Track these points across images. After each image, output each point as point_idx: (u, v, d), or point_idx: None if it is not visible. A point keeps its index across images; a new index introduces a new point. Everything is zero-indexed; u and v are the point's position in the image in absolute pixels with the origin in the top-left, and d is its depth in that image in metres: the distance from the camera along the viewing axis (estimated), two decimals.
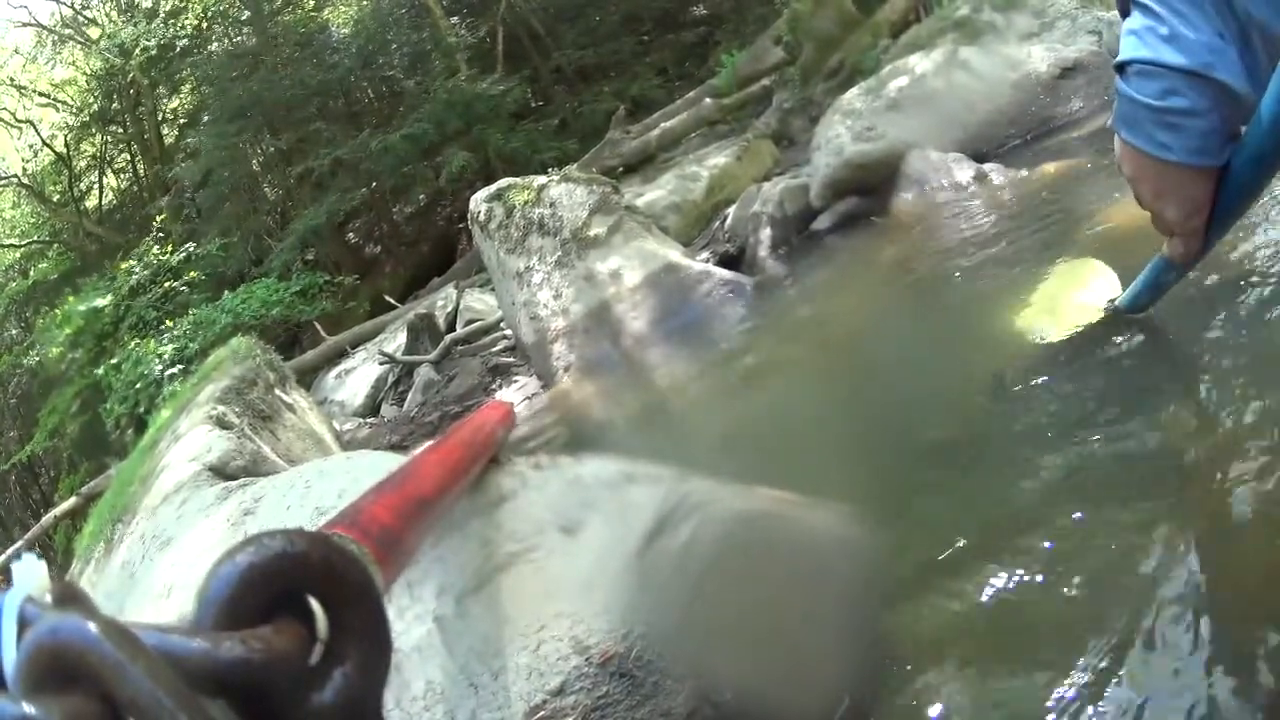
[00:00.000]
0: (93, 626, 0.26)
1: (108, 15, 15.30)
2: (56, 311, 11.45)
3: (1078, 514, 1.19)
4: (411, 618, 1.12)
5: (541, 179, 4.46)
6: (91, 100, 15.33)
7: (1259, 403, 1.18)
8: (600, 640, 1.05)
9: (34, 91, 15.70)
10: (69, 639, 0.26)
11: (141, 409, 8.14)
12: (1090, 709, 0.90)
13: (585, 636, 1.06)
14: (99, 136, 15.69)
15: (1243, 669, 0.85)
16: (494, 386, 5.04)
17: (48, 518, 7.93)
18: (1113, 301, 1.50)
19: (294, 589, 0.32)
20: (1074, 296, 1.80)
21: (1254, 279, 1.48)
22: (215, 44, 14.21)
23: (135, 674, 0.25)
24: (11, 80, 15.37)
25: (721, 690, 1.05)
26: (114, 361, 9.28)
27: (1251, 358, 1.32)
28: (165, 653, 0.27)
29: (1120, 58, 0.74)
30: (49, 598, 0.30)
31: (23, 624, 0.28)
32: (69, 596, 0.30)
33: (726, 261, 4.54)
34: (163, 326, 9.89)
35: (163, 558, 1.68)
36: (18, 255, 15.75)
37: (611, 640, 1.05)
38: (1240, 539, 1.02)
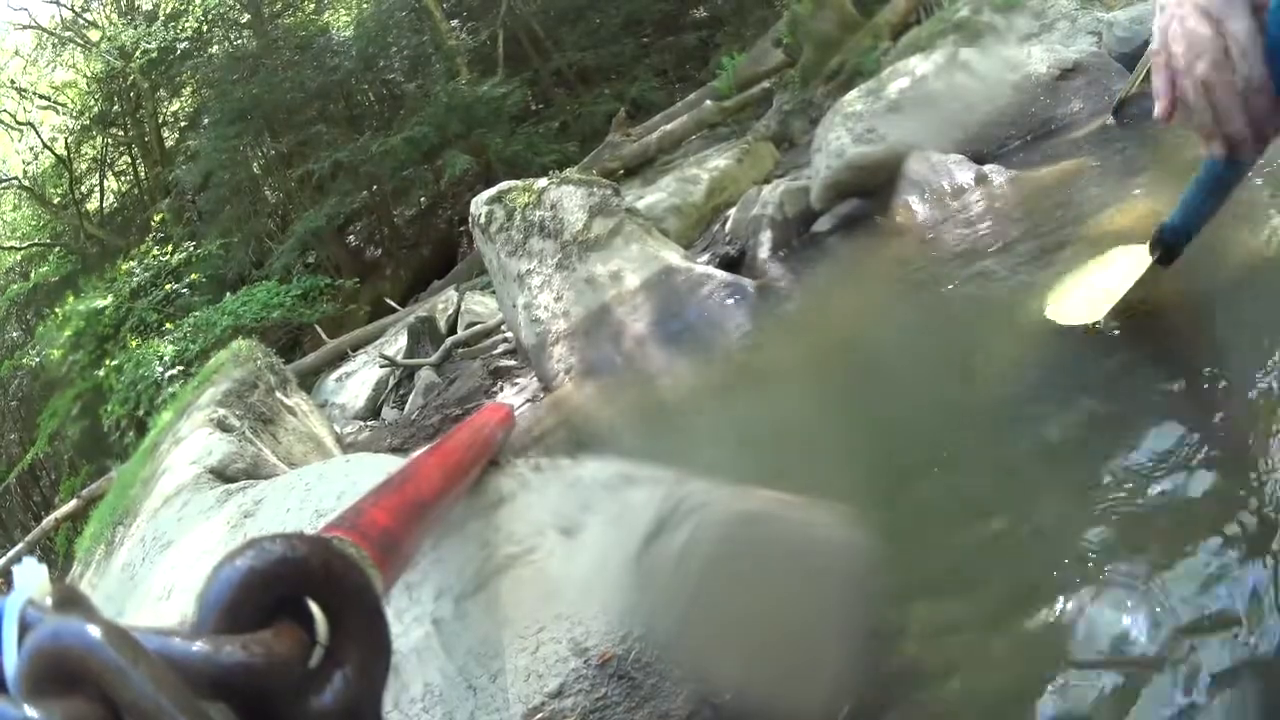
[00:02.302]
0: (94, 630, 0.26)
1: (108, 18, 15.29)
2: (57, 311, 11.42)
3: (1079, 515, 1.19)
4: (410, 620, 1.13)
5: (542, 181, 4.45)
6: (92, 103, 15.32)
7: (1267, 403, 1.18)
8: (599, 642, 1.05)
9: (34, 94, 15.69)
10: (71, 643, 0.26)
11: (142, 411, 8.13)
12: (1092, 709, 0.90)
13: (584, 638, 1.06)
14: (99, 139, 15.69)
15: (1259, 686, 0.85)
16: (495, 389, 5.03)
17: (48, 520, 7.91)
18: (1160, 229, 1.41)
19: (294, 593, 0.33)
20: (1074, 298, 1.80)
21: (1259, 279, 1.48)
22: (215, 47, 14.22)
23: (137, 678, 0.25)
24: (12, 82, 15.36)
25: (721, 691, 1.05)
26: (114, 363, 9.25)
27: (1258, 357, 1.32)
28: (166, 656, 0.27)
29: None
30: (50, 601, 0.30)
31: (24, 627, 0.28)
32: (70, 600, 0.30)
33: (727, 264, 4.54)
34: (164, 328, 9.88)
35: (163, 560, 1.68)
36: (18, 258, 15.75)
37: (610, 642, 1.05)
38: (1251, 540, 1.02)
